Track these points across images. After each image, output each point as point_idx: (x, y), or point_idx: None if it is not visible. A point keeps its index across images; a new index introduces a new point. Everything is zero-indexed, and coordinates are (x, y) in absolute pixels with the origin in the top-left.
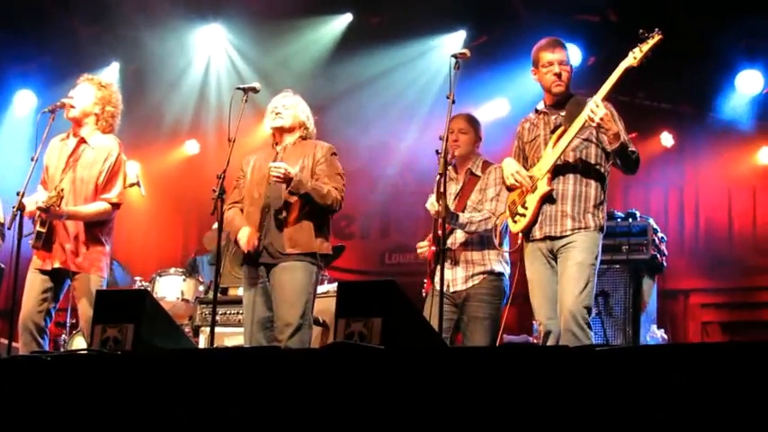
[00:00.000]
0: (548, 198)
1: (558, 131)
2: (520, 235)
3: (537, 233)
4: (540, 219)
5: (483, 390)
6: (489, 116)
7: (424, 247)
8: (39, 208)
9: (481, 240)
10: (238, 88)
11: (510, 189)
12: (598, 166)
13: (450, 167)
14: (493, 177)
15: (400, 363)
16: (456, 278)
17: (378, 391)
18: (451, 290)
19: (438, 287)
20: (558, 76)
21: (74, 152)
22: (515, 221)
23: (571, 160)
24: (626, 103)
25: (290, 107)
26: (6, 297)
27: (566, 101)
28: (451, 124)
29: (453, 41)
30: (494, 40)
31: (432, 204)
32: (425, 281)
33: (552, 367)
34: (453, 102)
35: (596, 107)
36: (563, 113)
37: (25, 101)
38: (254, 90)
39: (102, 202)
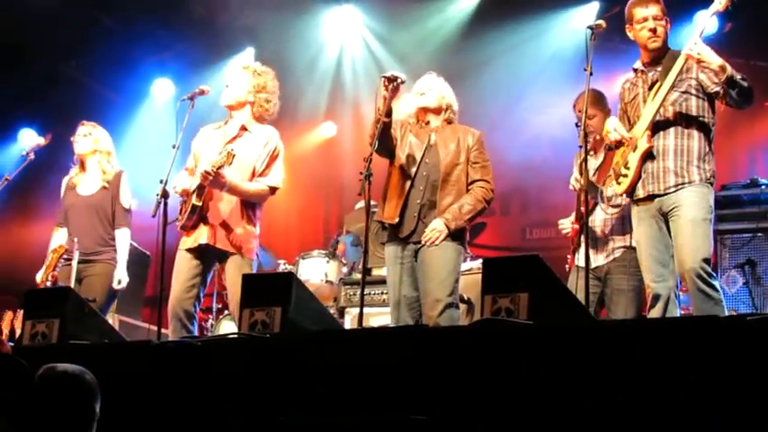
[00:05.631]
0: (649, 155)
1: (656, 87)
2: (624, 196)
3: (640, 192)
4: (642, 177)
5: (633, 363)
6: None
7: (567, 226)
8: (205, 171)
9: (621, 216)
10: (384, 77)
11: (613, 148)
12: (700, 118)
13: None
14: None
15: (549, 337)
16: (598, 254)
17: (528, 367)
18: (593, 265)
19: (580, 264)
20: (654, 31)
21: (234, 138)
22: (619, 183)
23: (671, 114)
24: (740, 65)
25: (435, 88)
26: (154, 284)
27: (663, 56)
28: (578, 106)
29: (587, 13)
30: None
31: (576, 180)
32: (569, 257)
33: (702, 338)
34: (591, 74)
35: (694, 44)
36: (659, 69)
37: (163, 89)
38: (401, 81)
39: (262, 184)
